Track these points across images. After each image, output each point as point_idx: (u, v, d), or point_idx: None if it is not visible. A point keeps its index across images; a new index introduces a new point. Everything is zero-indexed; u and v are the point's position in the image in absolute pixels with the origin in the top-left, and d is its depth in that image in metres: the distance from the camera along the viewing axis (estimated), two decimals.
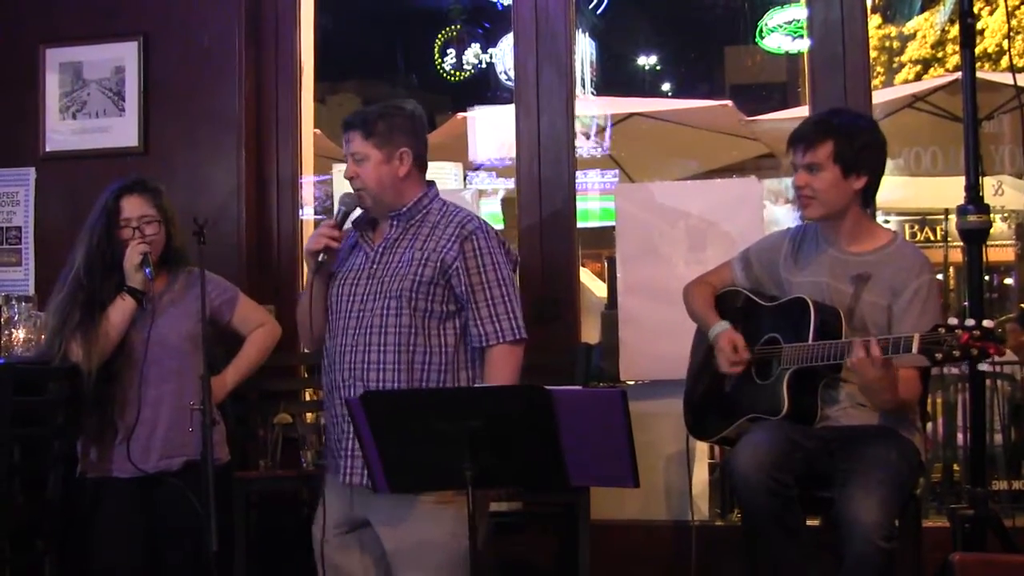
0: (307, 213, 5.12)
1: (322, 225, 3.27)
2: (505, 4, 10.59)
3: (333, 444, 3.23)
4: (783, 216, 6.97)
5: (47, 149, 4.92)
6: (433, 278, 3.15)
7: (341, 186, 6.06)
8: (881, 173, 3.44)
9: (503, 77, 11.57)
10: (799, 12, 10.49)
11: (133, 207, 3.67)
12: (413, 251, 3.19)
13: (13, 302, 4.37)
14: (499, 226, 5.07)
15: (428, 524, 3.07)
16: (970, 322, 2.94)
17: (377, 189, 3.22)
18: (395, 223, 3.25)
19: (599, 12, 11.52)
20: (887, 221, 10.48)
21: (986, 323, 2.94)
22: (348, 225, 3.31)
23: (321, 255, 3.22)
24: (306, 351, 4.36)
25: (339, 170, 6.26)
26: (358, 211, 3.31)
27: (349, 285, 3.24)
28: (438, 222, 3.23)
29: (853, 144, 3.35)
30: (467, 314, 3.19)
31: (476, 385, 3.18)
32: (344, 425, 3.12)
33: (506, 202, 8.11)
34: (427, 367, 3.16)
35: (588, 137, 8.83)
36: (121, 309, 3.62)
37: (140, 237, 3.65)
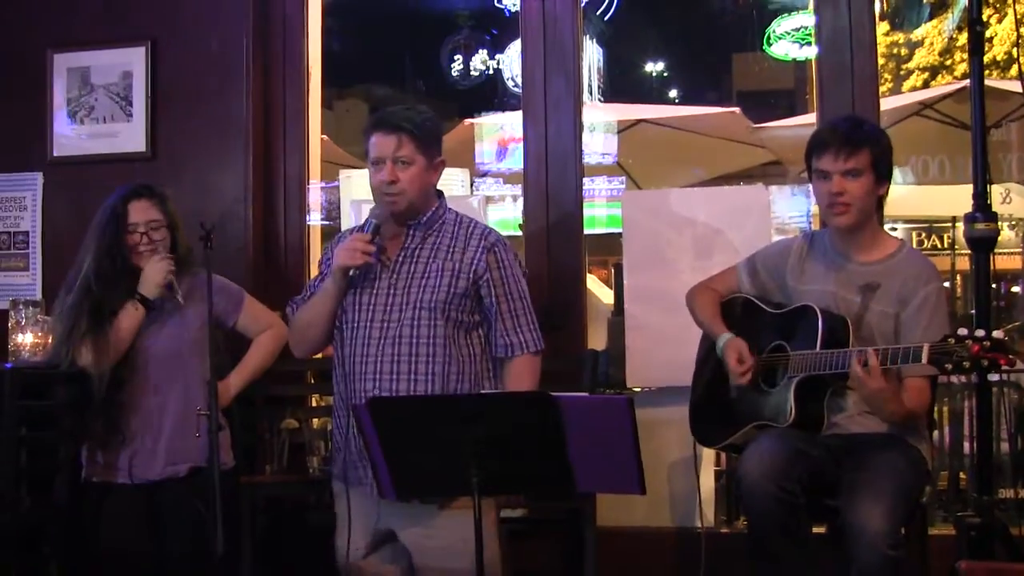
0: (314, 219, 5.12)
1: (355, 239, 3.17)
2: (513, 11, 10.61)
3: (355, 455, 3.17)
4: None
5: (55, 154, 4.92)
6: (467, 290, 3.17)
7: (349, 192, 6.08)
8: (891, 182, 3.45)
9: (510, 83, 11.58)
10: (807, 19, 10.51)
11: (140, 212, 3.67)
12: (440, 262, 3.19)
13: (20, 306, 4.38)
14: (516, 234, 5.06)
15: (452, 531, 3.06)
16: (980, 332, 2.92)
17: (415, 196, 3.19)
18: (413, 232, 3.24)
19: (607, 19, 11.53)
20: (894, 229, 10.49)
21: (996, 334, 2.93)
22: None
23: (353, 270, 3.17)
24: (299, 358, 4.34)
25: (347, 176, 6.29)
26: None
27: (368, 294, 3.21)
28: (457, 233, 3.24)
29: (884, 151, 3.35)
30: (492, 325, 3.22)
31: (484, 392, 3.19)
32: None
33: None
34: (460, 376, 3.17)
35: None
36: (132, 317, 3.62)
37: (148, 242, 3.65)
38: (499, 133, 8.73)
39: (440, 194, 3.33)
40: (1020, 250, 11.07)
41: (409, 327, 3.14)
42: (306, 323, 3.33)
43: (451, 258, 3.20)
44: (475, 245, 3.21)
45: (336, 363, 3.28)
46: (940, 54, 12.60)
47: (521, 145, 4.84)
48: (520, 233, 4.88)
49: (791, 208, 6.39)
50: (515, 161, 8.20)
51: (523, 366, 3.23)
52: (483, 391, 3.19)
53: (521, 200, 4.94)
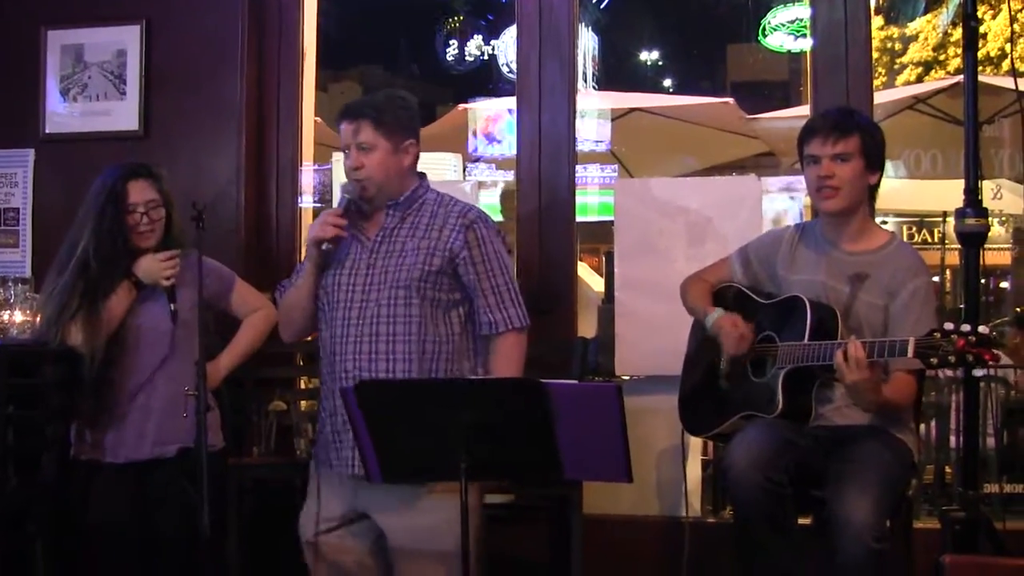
0: (306, 201, 5.12)
1: (327, 214, 3.23)
2: None
3: (332, 435, 3.20)
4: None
5: (47, 131, 4.91)
6: (442, 267, 3.18)
7: (341, 175, 6.07)
8: (883, 173, 3.46)
9: (505, 69, 11.55)
10: (802, 11, 10.50)
11: (139, 192, 3.65)
12: (416, 240, 3.20)
13: (10, 284, 4.36)
14: (497, 218, 5.06)
15: (434, 513, 3.06)
16: (966, 328, 2.93)
17: (383, 180, 3.22)
18: (392, 212, 3.26)
19: (602, 7, 11.52)
20: (885, 222, 10.50)
21: (982, 329, 2.93)
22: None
23: (326, 244, 3.21)
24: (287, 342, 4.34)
25: (339, 159, 6.27)
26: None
27: (347, 275, 3.23)
28: (437, 211, 3.25)
29: (875, 139, 3.38)
30: (475, 303, 3.23)
31: (474, 376, 3.19)
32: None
33: (505, 195, 8.11)
34: (436, 356, 3.17)
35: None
36: (124, 298, 3.61)
37: (149, 222, 3.64)
38: (488, 122, 8.72)
39: (422, 176, 3.34)
40: (1010, 246, 11.10)
41: (386, 306, 3.16)
42: (290, 305, 3.36)
43: (428, 236, 3.21)
44: (452, 223, 3.22)
45: (320, 344, 3.30)
46: (934, 49, 12.61)
47: (504, 122, 4.84)
48: (502, 219, 4.88)
49: None
50: (507, 147, 8.20)
51: (508, 343, 3.23)
52: (471, 376, 3.20)
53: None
